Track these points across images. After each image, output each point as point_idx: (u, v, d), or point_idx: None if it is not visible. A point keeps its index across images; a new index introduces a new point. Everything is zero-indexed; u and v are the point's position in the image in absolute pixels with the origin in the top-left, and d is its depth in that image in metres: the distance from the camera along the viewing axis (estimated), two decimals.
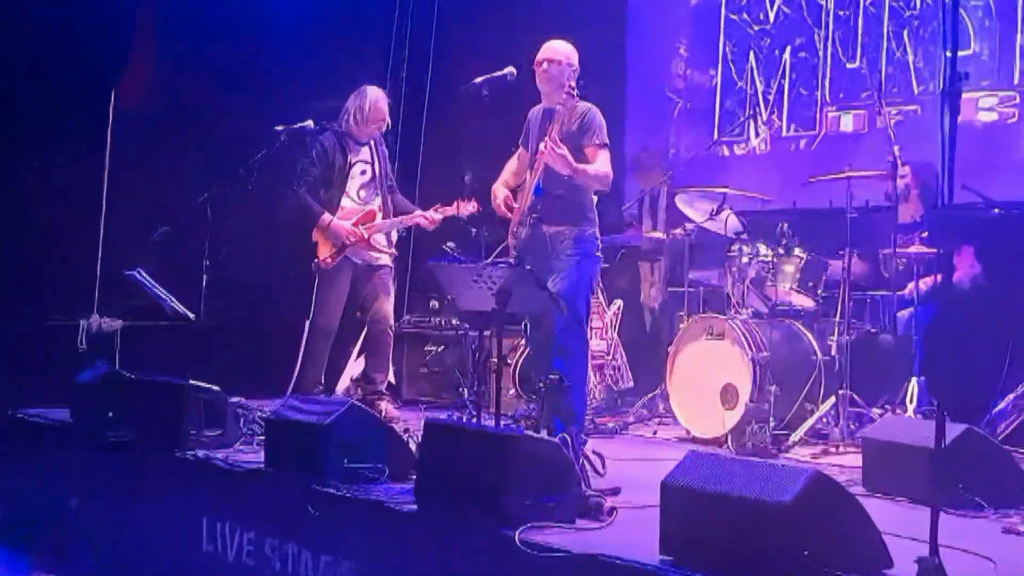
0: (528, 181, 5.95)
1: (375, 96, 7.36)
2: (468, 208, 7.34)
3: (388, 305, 7.47)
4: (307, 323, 7.55)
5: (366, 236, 7.31)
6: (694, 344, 7.03)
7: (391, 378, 7.85)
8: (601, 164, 5.84)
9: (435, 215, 7.37)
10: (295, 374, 7.52)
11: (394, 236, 7.63)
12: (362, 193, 7.41)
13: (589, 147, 5.83)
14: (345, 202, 7.36)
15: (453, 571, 4.34)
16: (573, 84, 5.87)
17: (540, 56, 5.95)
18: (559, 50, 5.97)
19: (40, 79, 7.99)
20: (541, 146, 5.76)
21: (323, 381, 7.49)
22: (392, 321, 7.51)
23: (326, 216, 7.29)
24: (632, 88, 9.93)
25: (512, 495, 4.25)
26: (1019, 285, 6.97)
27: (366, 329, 7.61)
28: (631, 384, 7.84)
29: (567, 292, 5.75)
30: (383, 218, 7.41)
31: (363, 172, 7.43)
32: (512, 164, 6.35)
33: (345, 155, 7.35)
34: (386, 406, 7.39)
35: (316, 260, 7.37)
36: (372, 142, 7.47)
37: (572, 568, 3.90)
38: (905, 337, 6.82)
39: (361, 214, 7.36)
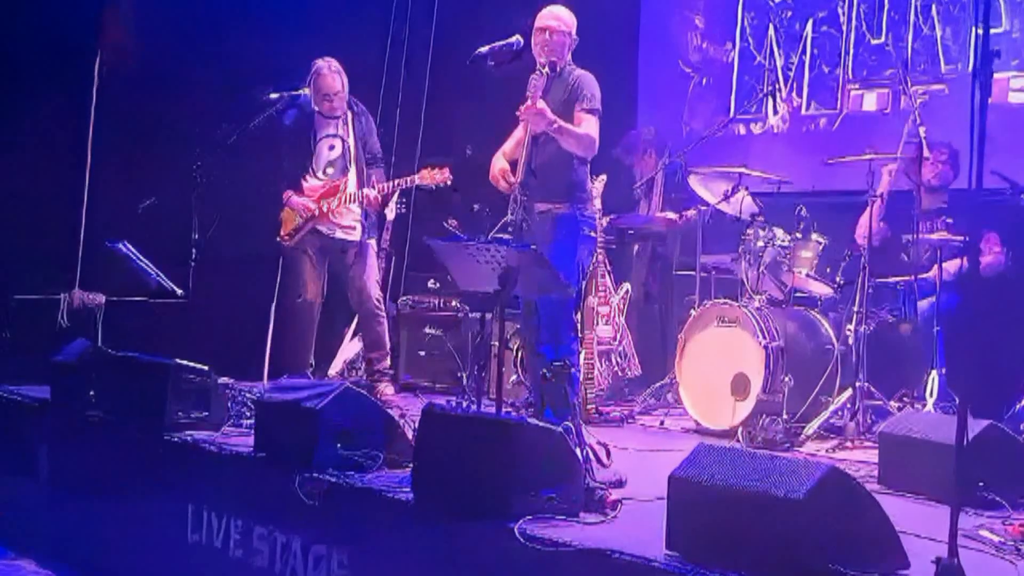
0: (520, 154, 5.90)
1: (317, 69, 7.36)
2: (436, 176, 7.31)
3: (368, 281, 7.45)
4: (272, 306, 7.60)
5: (324, 211, 7.32)
6: (705, 331, 7.05)
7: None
8: (587, 128, 5.71)
9: (371, 192, 7.35)
10: (266, 360, 7.54)
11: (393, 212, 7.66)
12: (329, 170, 7.43)
13: (577, 112, 5.76)
14: (309, 179, 7.41)
15: (450, 564, 4.36)
16: (569, 56, 5.87)
17: (542, 23, 5.88)
18: (563, 19, 5.91)
19: (18, 39, 7.96)
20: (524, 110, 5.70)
21: (313, 363, 7.52)
22: (375, 296, 7.51)
23: (287, 193, 7.39)
24: (645, 62, 9.93)
25: (513, 486, 4.28)
26: None
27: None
28: (639, 372, 7.87)
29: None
30: None
31: (331, 147, 7.45)
32: (517, 133, 6.28)
33: (312, 131, 7.41)
34: (384, 388, 7.41)
35: (278, 238, 7.46)
36: (348, 116, 7.47)
37: (574, 563, 3.92)
38: (926, 327, 6.84)
39: (324, 190, 7.38)
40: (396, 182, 7.46)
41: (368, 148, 7.52)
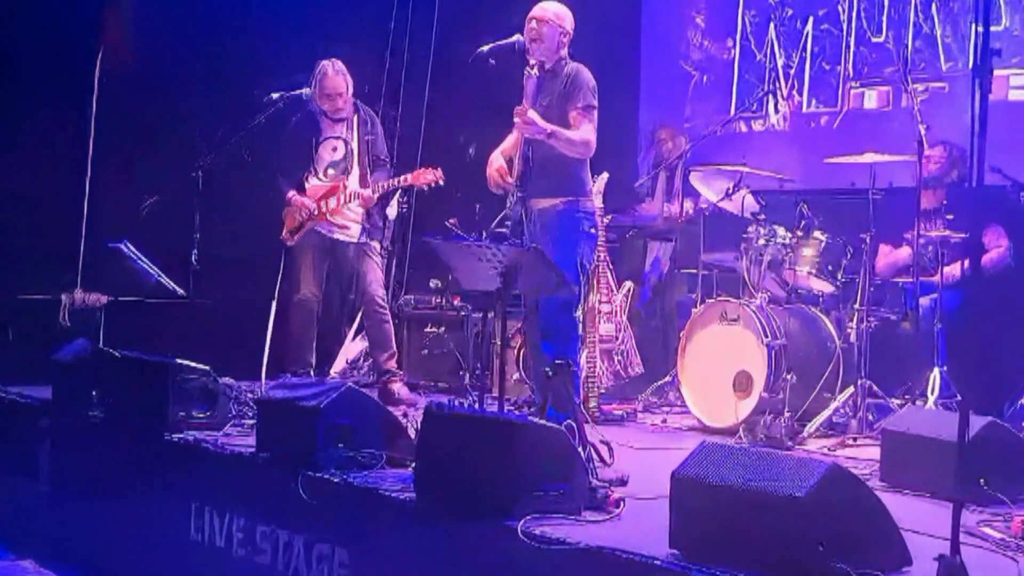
0: (517, 151, 5.88)
1: (323, 69, 7.42)
2: (428, 176, 7.30)
3: (372, 281, 7.47)
4: (272, 304, 7.61)
5: (323, 211, 7.34)
6: (707, 329, 7.05)
7: None
8: (583, 131, 5.69)
9: (365, 191, 7.37)
10: (264, 357, 7.54)
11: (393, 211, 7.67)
12: (330, 171, 7.48)
13: (572, 112, 5.76)
14: (311, 179, 7.45)
15: (452, 563, 4.36)
16: (565, 53, 5.86)
17: (530, 14, 5.89)
18: (551, 10, 5.91)
19: (18, 39, 7.95)
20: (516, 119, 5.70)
21: (313, 362, 7.52)
22: (379, 297, 7.51)
23: (290, 192, 7.45)
24: (646, 60, 9.92)
25: (515, 485, 4.28)
26: None
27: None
28: (641, 370, 7.84)
29: None
30: None
31: (334, 149, 7.49)
32: (515, 131, 6.25)
33: (317, 132, 7.47)
34: (398, 389, 7.41)
35: (281, 236, 7.51)
36: (355, 119, 7.51)
37: (577, 561, 3.92)
38: (927, 325, 6.83)
39: (325, 190, 7.40)
40: (390, 182, 7.47)
41: (373, 151, 7.54)
